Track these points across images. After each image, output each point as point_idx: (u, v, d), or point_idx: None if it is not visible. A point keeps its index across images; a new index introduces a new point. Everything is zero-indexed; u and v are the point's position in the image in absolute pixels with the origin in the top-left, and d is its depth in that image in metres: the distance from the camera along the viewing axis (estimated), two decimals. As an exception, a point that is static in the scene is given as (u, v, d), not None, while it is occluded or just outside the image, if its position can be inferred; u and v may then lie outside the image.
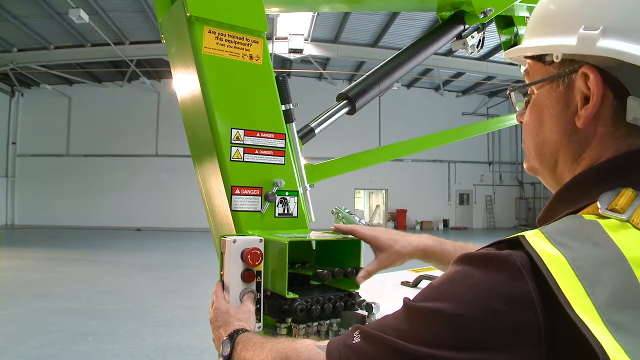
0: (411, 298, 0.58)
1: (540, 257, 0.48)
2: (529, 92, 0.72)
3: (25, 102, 20.08)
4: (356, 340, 0.58)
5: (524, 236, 0.52)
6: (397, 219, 21.49)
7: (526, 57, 0.72)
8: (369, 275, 1.10)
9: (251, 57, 1.22)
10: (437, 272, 1.89)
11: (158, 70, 18.36)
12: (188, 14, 1.12)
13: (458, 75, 18.93)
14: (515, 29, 1.85)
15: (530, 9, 1.84)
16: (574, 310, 0.44)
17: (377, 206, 23.57)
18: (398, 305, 0.58)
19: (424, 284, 1.76)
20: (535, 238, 0.51)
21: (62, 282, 7.57)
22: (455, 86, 21.36)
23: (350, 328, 1.05)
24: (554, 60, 0.63)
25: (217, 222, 1.29)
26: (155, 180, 19.68)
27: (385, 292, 1.69)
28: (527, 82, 0.72)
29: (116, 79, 19.59)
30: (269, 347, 0.76)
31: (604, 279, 0.46)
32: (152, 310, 5.82)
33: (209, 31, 1.15)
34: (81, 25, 12.84)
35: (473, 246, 1.08)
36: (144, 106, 19.92)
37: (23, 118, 20.05)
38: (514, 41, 1.91)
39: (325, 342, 0.65)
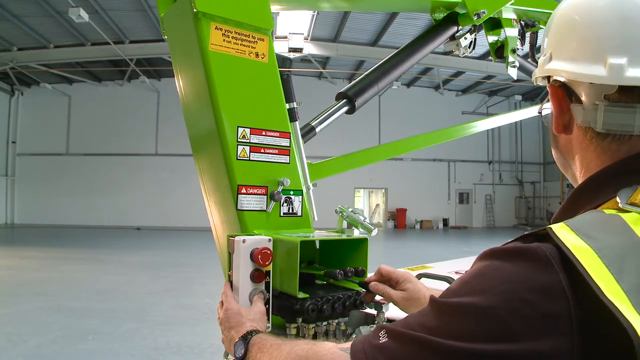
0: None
1: (568, 248, 0.50)
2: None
3: (25, 101, 20.09)
4: (383, 340, 0.57)
5: (551, 229, 0.53)
6: (397, 218, 21.51)
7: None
8: (381, 292, 1.07)
9: (257, 54, 1.21)
10: (433, 270, 1.90)
11: (158, 69, 18.37)
12: (195, 10, 1.11)
13: (458, 74, 18.94)
14: (503, 31, 1.87)
15: (517, 12, 1.85)
16: (605, 296, 0.46)
17: (377, 205, 23.59)
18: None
19: (425, 282, 1.76)
20: (561, 230, 0.53)
21: (62, 281, 7.57)
22: (455, 85, 21.37)
23: (369, 328, 1.04)
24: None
25: (221, 222, 1.28)
26: (155, 179, 19.70)
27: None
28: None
29: (116, 78, 19.59)
30: (287, 349, 0.74)
31: (630, 267, 0.49)
32: (152, 309, 5.81)
33: (216, 27, 1.14)
34: (81, 24, 12.85)
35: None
36: (144, 105, 19.94)
37: (23, 117, 20.06)
38: (501, 42, 1.93)
39: (347, 344, 0.64)
